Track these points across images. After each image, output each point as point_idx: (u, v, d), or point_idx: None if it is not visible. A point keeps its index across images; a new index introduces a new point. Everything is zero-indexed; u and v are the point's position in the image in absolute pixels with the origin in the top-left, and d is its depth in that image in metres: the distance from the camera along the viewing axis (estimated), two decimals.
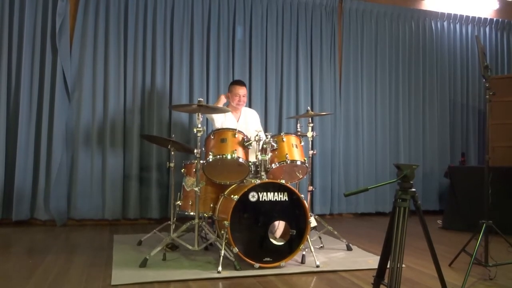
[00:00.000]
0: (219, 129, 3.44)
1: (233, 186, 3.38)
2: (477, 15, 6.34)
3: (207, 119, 4.92)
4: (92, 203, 4.72)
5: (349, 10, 5.75)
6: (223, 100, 4.12)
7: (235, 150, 3.23)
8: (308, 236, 3.15)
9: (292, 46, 5.47)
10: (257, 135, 3.29)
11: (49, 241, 3.86)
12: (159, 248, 3.13)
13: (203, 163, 3.28)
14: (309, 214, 3.20)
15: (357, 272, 2.99)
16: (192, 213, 3.37)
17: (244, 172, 3.32)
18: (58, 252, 3.44)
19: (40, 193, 4.56)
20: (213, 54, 5.14)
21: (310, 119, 3.75)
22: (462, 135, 6.25)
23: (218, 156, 3.22)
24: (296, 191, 3.16)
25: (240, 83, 4.15)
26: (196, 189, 3.24)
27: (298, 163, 3.37)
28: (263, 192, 3.07)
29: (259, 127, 4.21)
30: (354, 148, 5.67)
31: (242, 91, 4.07)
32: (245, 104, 4.18)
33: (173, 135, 3.98)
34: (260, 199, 3.07)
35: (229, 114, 4.05)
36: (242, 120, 4.14)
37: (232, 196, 3.07)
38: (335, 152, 5.57)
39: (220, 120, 4.03)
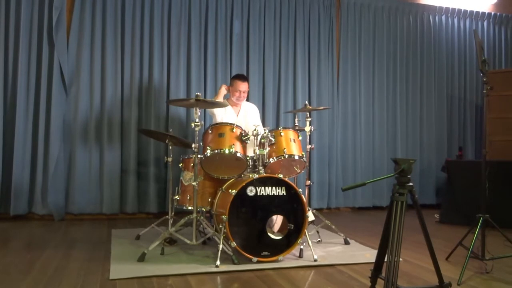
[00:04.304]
0: (217, 124, 3.43)
1: (231, 180, 3.38)
2: (475, 9, 6.33)
3: (205, 113, 4.93)
4: (90, 198, 4.72)
5: (347, 4, 5.73)
6: (223, 91, 4.12)
7: (233, 144, 3.23)
8: (306, 230, 3.16)
9: (290, 40, 5.45)
10: (255, 130, 3.30)
11: (47, 236, 3.86)
12: (157, 243, 3.13)
13: (201, 157, 3.28)
14: (307, 208, 3.20)
15: (355, 266, 3.00)
16: (190, 208, 3.37)
17: (242, 166, 3.33)
18: (57, 246, 3.44)
19: (37, 187, 4.56)
20: (211, 48, 5.12)
21: (308, 113, 3.75)
22: (460, 129, 6.26)
23: (216, 151, 3.21)
24: (294, 185, 3.16)
25: (242, 78, 4.12)
26: (194, 183, 3.24)
27: (296, 157, 3.37)
28: (261, 186, 3.08)
29: (258, 122, 4.21)
30: (351, 142, 5.68)
31: (243, 86, 4.06)
32: (245, 99, 4.18)
33: (171, 130, 3.98)
34: (258, 194, 3.07)
35: (229, 108, 4.06)
36: (242, 115, 4.14)
37: (230, 190, 3.07)
38: (333, 146, 5.58)
39: (221, 114, 4.03)
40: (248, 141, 3.33)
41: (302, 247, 3.22)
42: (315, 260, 3.05)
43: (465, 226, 3.46)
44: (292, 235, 3.09)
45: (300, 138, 3.56)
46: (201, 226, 3.57)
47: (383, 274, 1.95)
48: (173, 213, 3.61)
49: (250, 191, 3.06)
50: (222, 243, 2.98)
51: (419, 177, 5.91)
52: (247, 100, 4.33)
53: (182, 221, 3.26)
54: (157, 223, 3.82)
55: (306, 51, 5.52)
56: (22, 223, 4.41)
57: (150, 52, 4.93)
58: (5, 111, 4.53)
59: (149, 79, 4.93)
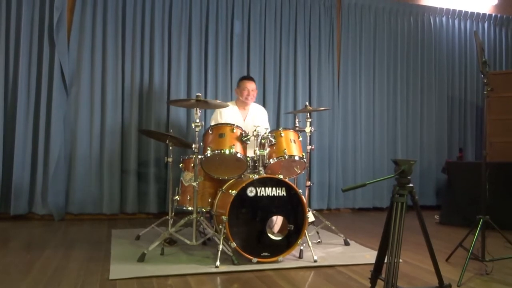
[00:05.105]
0: (217, 124, 3.43)
1: (231, 181, 3.38)
2: (475, 11, 6.34)
3: (205, 114, 4.93)
4: (90, 198, 4.71)
5: (347, 5, 5.73)
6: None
7: (233, 145, 3.23)
8: (306, 231, 3.16)
9: (290, 41, 5.45)
10: (255, 130, 3.29)
11: (47, 236, 3.86)
12: (157, 243, 3.14)
13: (201, 158, 3.28)
14: (307, 209, 3.20)
15: (355, 266, 3.00)
16: (190, 208, 3.37)
17: (242, 167, 3.33)
18: (56, 246, 3.44)
19: (38, 187, 4.55)
20: (211, 49, 5.12)
21: (308, 114, 3.75)
22: (460, 131, 6.26)
23: (216, 151, 3.21)
24: (294, 186, 3.16)
25: (248, 78, 4.10)
26: (194, 184, 3.24)
27: (296, 158, 3.38)
28: (261, 187, 3.08)
29: (267, 125, 4.09)
30: (352, 143, 5.68)
31: (250, 85, 3.99)
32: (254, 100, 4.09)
33: (171, 130, 3.98)
34: (258, 194, 3.07)
35: (236, 111, 4.01)
36: (249, 119, 4.04)
37: (230, 191, 3.07)
38: (333, 147, 5.57)
39: (228, 120, 3.88)
40: (249, 142, 3.33)
41: (302, 247, 3.22)
42: (315, 261, 3.05)
43: (465, 227, 3.45)
44: (292, 236, 3.09)
45: (301, 138, 3.56)
46: (201, 226, 3.57)
47: (383, 275, 1.95)
48: (173, 214, 3.61)
49: (250, 191, 3.06)
50: (222, 244, 2.98)
51: (419, 178, 5.91)
52: None
53: (182, 221, 3.26)
54: (157, 224, 3.82)
55: (306, 52, 5.52)
56: (22, 223, 4.41)
57: (151, 52, 4.93)
58: (5, 111, 4.52)
59: (150, 79, 4.93)
